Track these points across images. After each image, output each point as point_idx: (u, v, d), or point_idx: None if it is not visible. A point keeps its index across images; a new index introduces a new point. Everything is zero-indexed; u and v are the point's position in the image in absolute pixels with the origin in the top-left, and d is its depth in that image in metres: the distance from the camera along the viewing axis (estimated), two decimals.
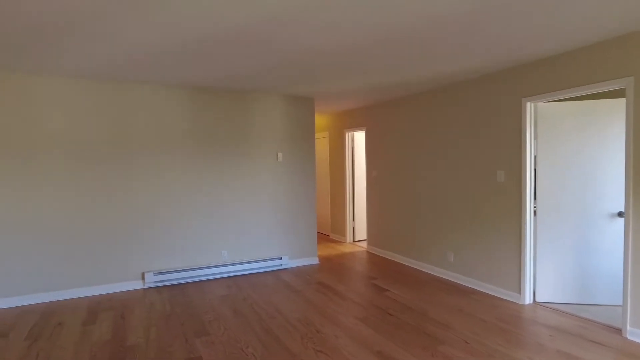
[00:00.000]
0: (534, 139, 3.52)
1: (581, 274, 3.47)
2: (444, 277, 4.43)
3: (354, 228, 6.47)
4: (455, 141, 4.25)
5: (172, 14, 2.30)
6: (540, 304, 3.53)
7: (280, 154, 4.90)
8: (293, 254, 5.04)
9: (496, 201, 3.78)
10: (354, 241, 6.49)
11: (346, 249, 6.05)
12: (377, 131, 5.61)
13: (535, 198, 3.57)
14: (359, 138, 6.50)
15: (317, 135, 7.42)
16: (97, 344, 2.86)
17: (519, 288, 3.59)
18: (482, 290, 3.95)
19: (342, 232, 6.58)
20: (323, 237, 7.00)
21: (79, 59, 3.21)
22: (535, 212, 3.57)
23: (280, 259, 4.86)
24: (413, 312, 3.39)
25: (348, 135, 6.36)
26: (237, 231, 4.67)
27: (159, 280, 4.21)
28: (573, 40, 2.87)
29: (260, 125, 4.78)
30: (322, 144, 7.26)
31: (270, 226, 4.87)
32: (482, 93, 3.92)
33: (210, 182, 4.51)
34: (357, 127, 6.08)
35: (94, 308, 3.60)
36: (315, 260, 5.18)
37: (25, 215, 3.71)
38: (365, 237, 6.50)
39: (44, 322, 3.29)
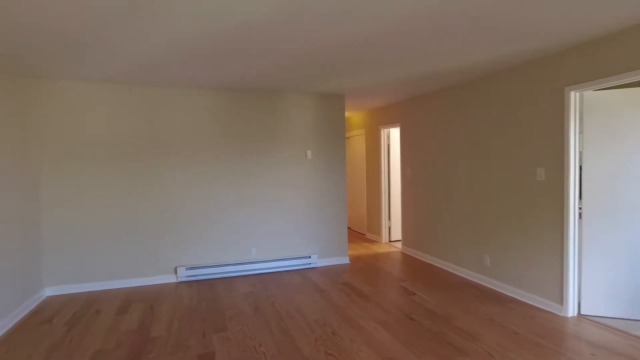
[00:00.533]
0: (580, 132, 3.15)
1: (636, 285, 3.04)
2: (479, 282, 4.13)
3: (389, 228, 6.28)
4: (492, 136, 3.94)
5: (190, 15, 2.34)
6: (586, 317, 3.16)
7: (309, 152, 4.87)
8: (322, 253, 5.00)
9: (536, 201, 3.44)
10: (390, 241, 6.30)
11: (380, 249, 5.88)
12: (410, 127, 5.38)
13: (580, 198, 3.19)
14: (395, 135, 6.28)
15: (353, 132, 7.31)
16: (124, 333, 3.04)
17: (560, 298, 3.24)
18: (519, 298, 3.62)
19: (378, 232, 6.41)
20: (359, 237, 6.88)
21: (113, 64, 3.41)
22: (580, 214, 3.19)
23: (309, 257, 4.84)
24: (437, 318, 3.19)
25: (383, 132, 6.18)
26: (265, 229, 4.72)
27: (191, 275, 4.38)
28: (627, 16, 2.51)
29: (289, 123, 4.79)
30: (358, 142, 7.13)
31: (299, 224, 4.86)
32: (519, 83, 3.58)
33: (239, 180, 4.60)
34: (391, 123, 5.88)
35: (130, 299, 3.82)
36: (345, 260, 5.10)
37: (72, 212, 4.04)
38: (401, 237, 6.28)
39: (85, 309, 3.56)
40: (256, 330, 3.05)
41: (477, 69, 3.75)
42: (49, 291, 4.01)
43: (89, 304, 3.72)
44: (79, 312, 3.51)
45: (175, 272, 4.39)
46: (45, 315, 3.44)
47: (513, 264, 3.71)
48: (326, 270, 4.74)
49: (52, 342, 2.90)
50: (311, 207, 4.91)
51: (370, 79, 4.07)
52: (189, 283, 4.32)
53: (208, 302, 3.70)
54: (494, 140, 3.91)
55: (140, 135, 4.23)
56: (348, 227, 7.87)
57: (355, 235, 7.00)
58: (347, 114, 6.99)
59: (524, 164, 3.55)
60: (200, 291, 4.03)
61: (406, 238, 5.58)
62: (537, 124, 3.40)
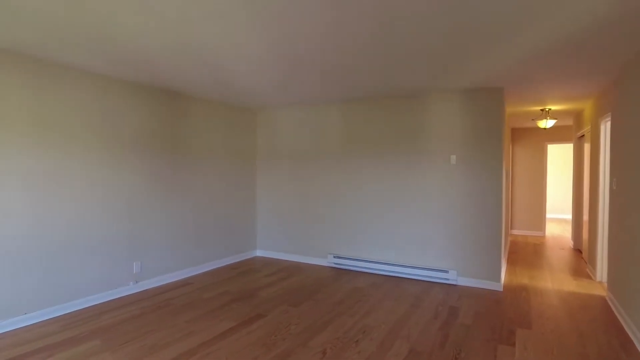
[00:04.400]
0: None
1: None
2: None
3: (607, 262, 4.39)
4: None
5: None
6: None
7: (453, 157, 4.41)
8: (464, 271, 4.38)
9: None
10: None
11: (578, 287, 4.29)
12: (620, 117, 3.66)
13: None
14: None
15: (580, 132, 5.45)
16: (241, 288, 4.27)
17: None
18: None
19: (594, 264, 4.62)
20: (578, 266, 5.14)
21: (294, 95, 4.76)
22: None
23: (447, 272, 4.40)
24: None
25: (603, 126, 4.39)
26: (404, 234, 4.73)
27: (335, 262, 5.13)
28: None
29: (431, 127, 4.54)
30: (585, 142, 5.27)
31: (439, 235, 4.51)
32: None
33: (384, 185, 4.87)
34: (605, 113, 4.14)
35: (283, 269, 5.08)
36: (496, 286, 4.21)
37: (272, 200, 5.77)
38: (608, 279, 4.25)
39: (256, 268, 5.11)
40: (286, 321, 3.47)
41: None
42: (258, 252, 5.93)
43: (263, 265, 5.26)
44: (252, 268, 5.10)
45: (327, 257, 5.28)
46: (239, 265, 5.26)
47: None
48: (459, 291, 4.17)
49: (218, 281, 4.54)
50: (454, 218, 4.42)
51: (530, 42, 2.80)
52: (331, 269, 5.10)
53: (313, 286, 4.35)
54: None
55: (311, 143, 5.40)
56: (579, 251, 5.91)
57: (578, 263, 5.27)
58: (579, 104, 5.33)
59: None
60: (327, 277, 4.72)
61: (612, 282, 3.82)
62: None
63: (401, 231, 4.75)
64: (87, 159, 3.60)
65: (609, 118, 4.03)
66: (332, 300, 3.87)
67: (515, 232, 7.95)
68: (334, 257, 5.15)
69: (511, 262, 5.51)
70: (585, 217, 5.68)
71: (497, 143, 4.20)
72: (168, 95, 4.40)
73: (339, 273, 4.88)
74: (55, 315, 3.34)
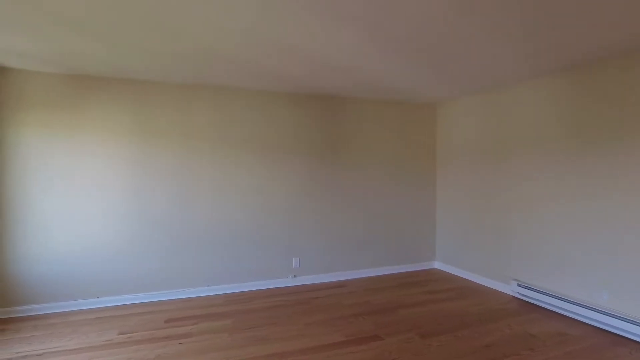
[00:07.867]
0: None
1: None
2: None
3: None
4: None
5: None
6: None
7: None
8: None
9: None
10: None
11: None
12: None
13: None
14: None
15: None
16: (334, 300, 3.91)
17: None
18: None
19: None
20: None
21: (473, 81, 4.18)
22: None
23: None
24: None
25: None
26: (626, 268, 3.06)
27: (520, 292, 3.90)
28: None
29: None
30: None
31: None
32: None
33: (594, 193, 3.34)
34: None
35: (448, 285, 4.32)
36: None
37: (453, 202, 5.04)
38: None
39: (427, 281, 4.60)
40: (397, 352, 2.82)
41: None
42: (437, 264, 5.30)
43: (433, 280, 4.65)
44: (418, 281, 4.61)
45: (510, 284, 4.10)
46: (409, 275, 4.87)
47: None
48: None
49: (371, 288, 4.36)
50: None
51: None
52: (515, 300, 3.92)
53: (471, 318, 3.45)
54: None
55: (497, 138, 4.35)
56: None
57: None
58: None
59: None
60: (500, 310, 3.65)
61: None
62: None
63: (620, 264, 3.10)
64: (252, 165, 4.28)
65: None
66: (478, 342, 2.99)
67: None
68: (519, 285, 3.94)
69: None
70: None
71: None
72: (329, 100, 4.62)
73: (521, 307, 3.70)
74: (223, 292, 4.16)
